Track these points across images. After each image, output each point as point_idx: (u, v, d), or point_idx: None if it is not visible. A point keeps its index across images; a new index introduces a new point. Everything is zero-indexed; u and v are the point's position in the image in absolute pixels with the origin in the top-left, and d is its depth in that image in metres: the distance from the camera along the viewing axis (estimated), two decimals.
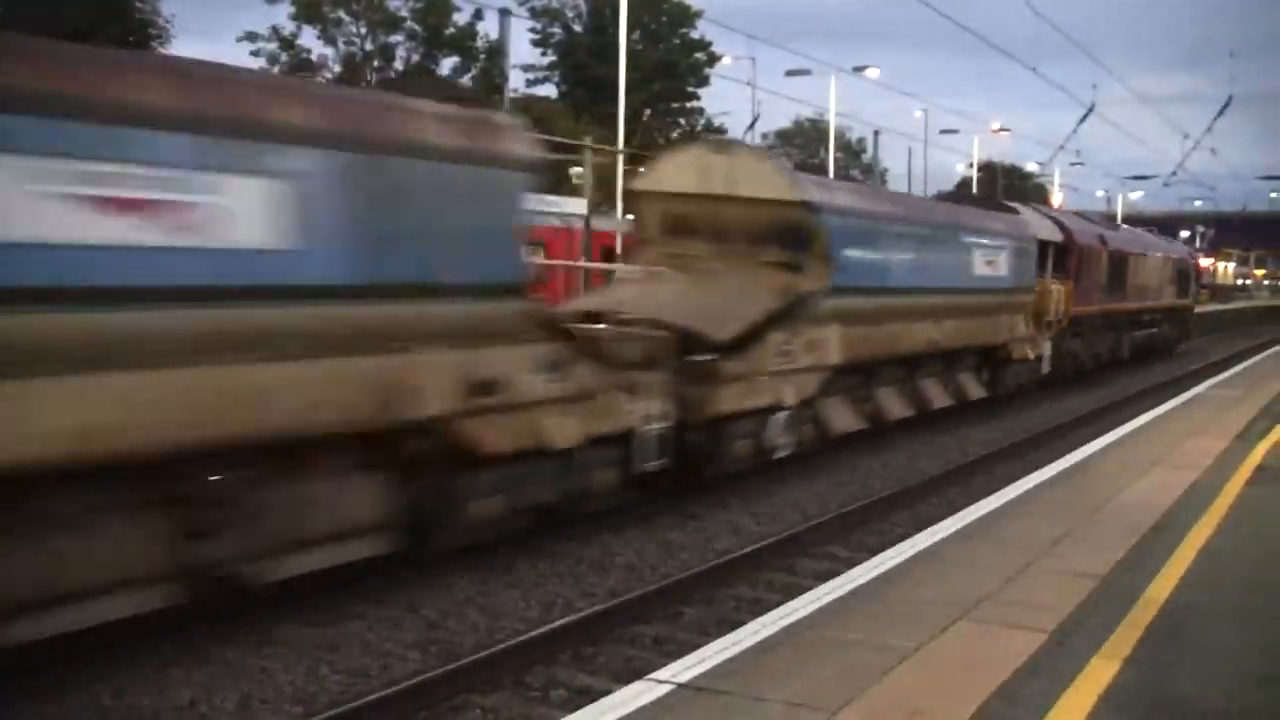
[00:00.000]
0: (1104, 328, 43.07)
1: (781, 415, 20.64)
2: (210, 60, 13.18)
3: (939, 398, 27.91)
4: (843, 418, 23.22)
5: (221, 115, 11.10)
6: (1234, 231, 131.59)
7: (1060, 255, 37.78)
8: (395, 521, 13.30)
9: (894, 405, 25.65)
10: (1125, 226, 60.72)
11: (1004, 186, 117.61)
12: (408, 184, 12.90)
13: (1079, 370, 40.10)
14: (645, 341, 17.63)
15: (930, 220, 28.48)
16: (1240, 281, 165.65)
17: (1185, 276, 55.35)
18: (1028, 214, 37.55)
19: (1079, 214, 52.26)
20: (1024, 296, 32.85)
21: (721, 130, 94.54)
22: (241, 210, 11.06)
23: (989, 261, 30.16)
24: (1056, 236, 38.07)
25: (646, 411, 17.04)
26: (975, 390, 30.25)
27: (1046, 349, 35.64)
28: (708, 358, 18.81)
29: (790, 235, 21.74)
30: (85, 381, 9.84)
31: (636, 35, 76.39)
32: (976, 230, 30.30)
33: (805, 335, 21.02)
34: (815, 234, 21.78)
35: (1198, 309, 60.22)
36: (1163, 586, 11.43)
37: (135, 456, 10.43)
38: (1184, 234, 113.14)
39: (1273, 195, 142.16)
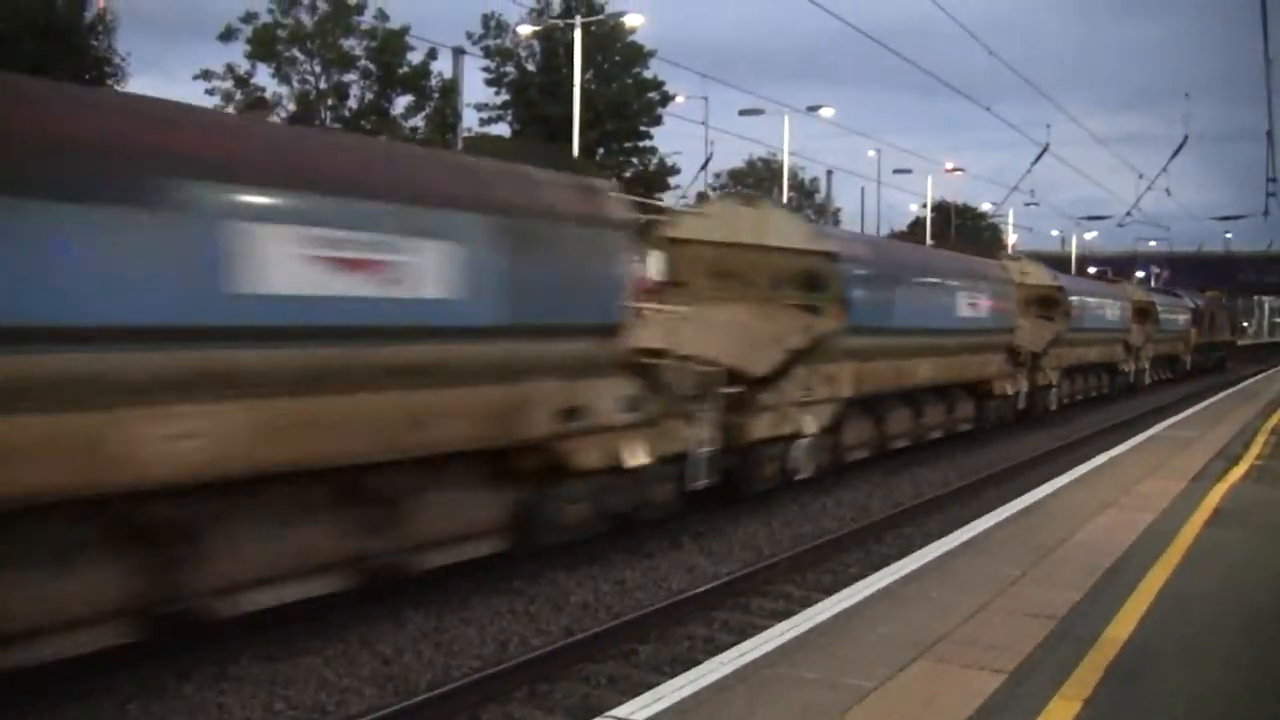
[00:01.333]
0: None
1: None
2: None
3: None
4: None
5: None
6: (1189, 272, 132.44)
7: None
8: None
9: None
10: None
11: (957, 226, 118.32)
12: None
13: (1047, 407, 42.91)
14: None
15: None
16: None
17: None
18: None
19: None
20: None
21: (675, 170, 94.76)
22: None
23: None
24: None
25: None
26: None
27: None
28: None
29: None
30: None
31: (589, 74, 76.41)
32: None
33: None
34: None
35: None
36: (1122, 627, 11.43)
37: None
38: (1139, 274, 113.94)
39: (1227, 235, 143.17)
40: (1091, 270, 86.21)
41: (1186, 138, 65.98)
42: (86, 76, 63.92)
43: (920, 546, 16.23)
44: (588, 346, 16.51)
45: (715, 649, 12.33)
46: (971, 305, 32.42)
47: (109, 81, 65.82)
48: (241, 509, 12.07)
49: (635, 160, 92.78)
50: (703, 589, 16.06)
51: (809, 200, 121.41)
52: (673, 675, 10.47)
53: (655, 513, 18.92)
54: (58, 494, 10.25)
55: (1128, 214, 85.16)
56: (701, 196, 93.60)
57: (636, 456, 17.72)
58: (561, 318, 15.85)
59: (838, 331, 23.88)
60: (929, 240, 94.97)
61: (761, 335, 22.52)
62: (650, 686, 10.03)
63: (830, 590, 14.75)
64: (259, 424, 11.69)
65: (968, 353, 32.21)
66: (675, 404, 18.90)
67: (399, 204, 13.42)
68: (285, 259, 11.87)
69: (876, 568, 15.27)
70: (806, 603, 14.27)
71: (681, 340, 20.55)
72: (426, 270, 13.56)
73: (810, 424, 23.28)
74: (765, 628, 11.99)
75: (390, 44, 75.22)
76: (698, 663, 10.86)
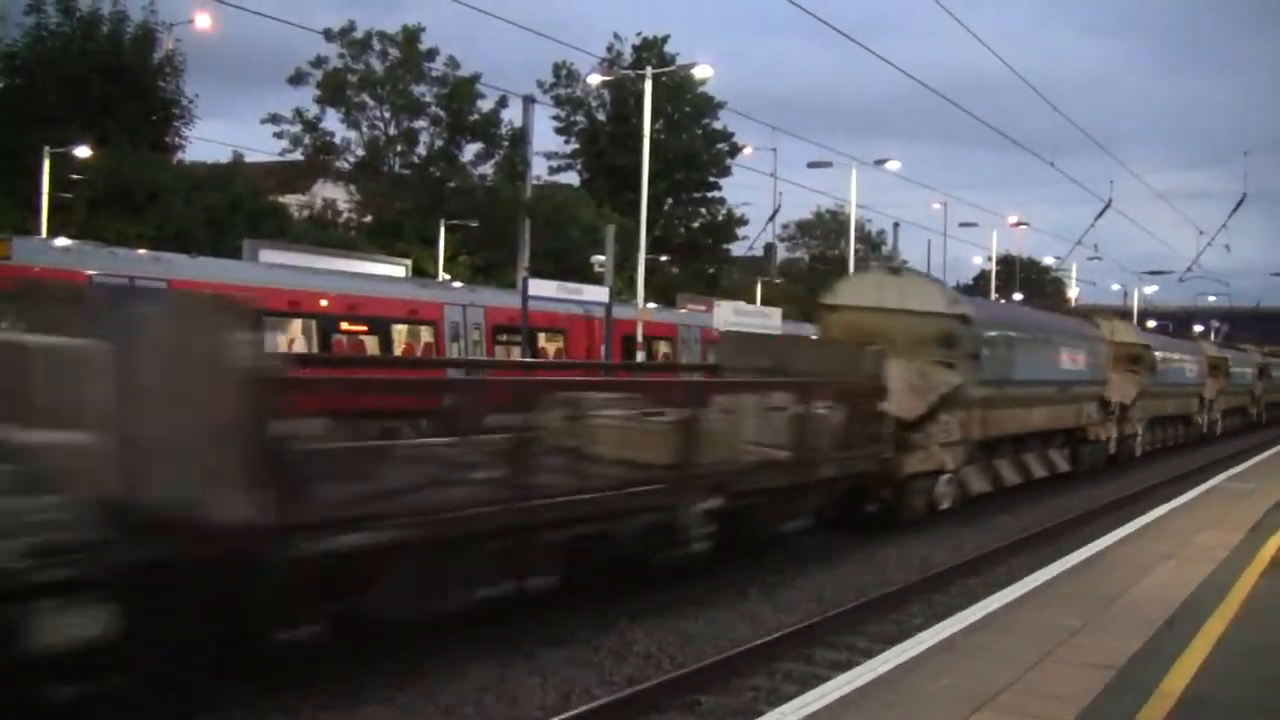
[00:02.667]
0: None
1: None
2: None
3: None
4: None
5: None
6: (1247, 326, 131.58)
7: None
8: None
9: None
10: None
11: (1021, 280, 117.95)
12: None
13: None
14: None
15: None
16: None
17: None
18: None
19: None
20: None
21: (743, 220, 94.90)
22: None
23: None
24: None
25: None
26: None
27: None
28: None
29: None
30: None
31: (659, 125, 76.76)
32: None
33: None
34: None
35: None
36: (1179, 678, 11.47)
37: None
38: (1198, 328, 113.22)
39: None
40: (1151, 324, 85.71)
41: (1245, 195, 66.39)
42: (154, 118, 64.74)
43: (984, 597, 16.27)
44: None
45: (778, 700, 12.40)
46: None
47: (176, 124, 66.61)
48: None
49: (704, 210, 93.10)
50: (766, 639, 16.09)
51: (876, 252, 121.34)
52: None
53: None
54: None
55: (1188, 269, 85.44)
56: (769, 248, 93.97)
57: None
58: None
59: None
60: (994, 293, 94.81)
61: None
62: None
63: (893, 641, 14.80)
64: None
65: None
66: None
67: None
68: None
69: (940, 618, 15.32)
70: (870, 654, 14.33)
71: None
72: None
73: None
74: (828, 679, 12.08)
75: (461, 91, 75.69)
76: (760, 714, 10.97)
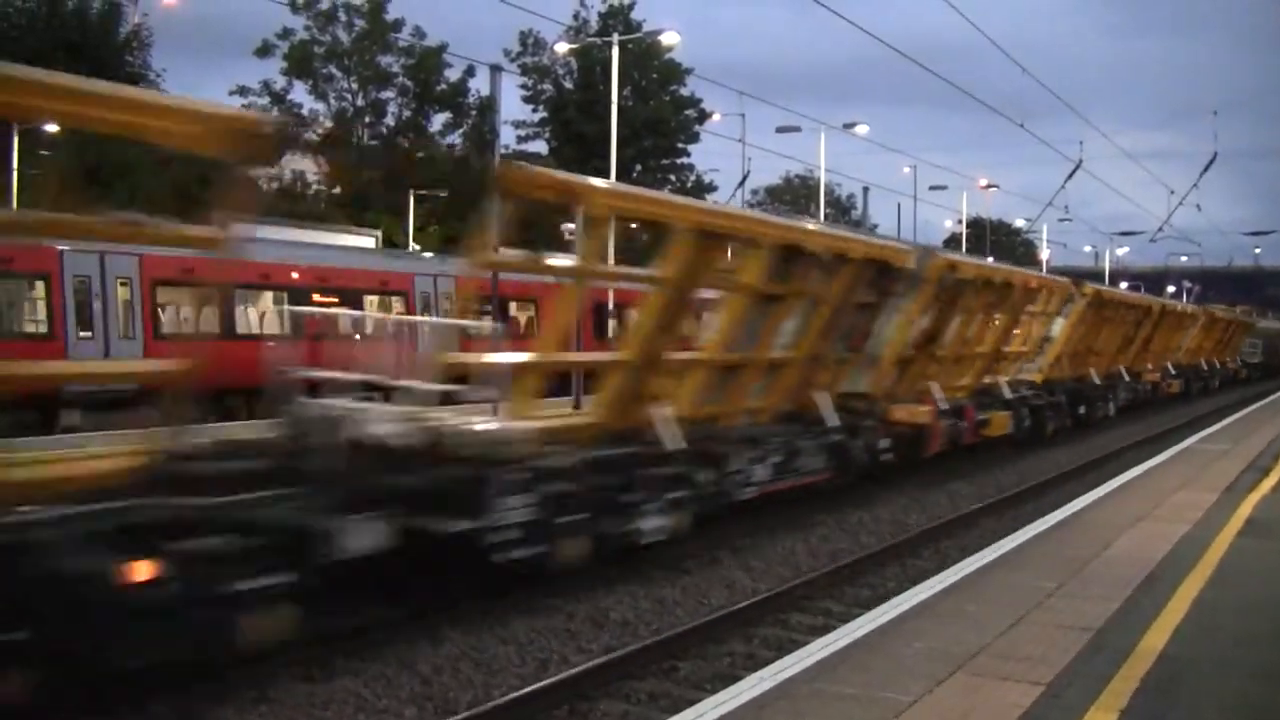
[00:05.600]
0: None
1: None
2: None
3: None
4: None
5: None
6: (1219, 286, 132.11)
7: None
8: None
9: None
10: None
11: (992, 242, 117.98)
12: None
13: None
14: None
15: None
16: None
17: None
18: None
19: None
20: None
21: (712, 187, 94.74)
22: None
23: None
24: None
25: None
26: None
27: None
28: None
29: None
30: None
31: (626, 92, 76.57)
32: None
33: None
34: None
35: None
36: (1157, 638, 11.49)
37: None
38: (1170, 289, 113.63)
39: (1257, 250, 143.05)
40: (1124, 286, 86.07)
41: (1216, 154, 66.54)
42: None
43: (957, 561, 16.31)
44: None
45: (755, 665, 12.41)
46: None
47: None
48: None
49: (673, 177, 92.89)
50: (742, 605, 16.15)
51: (845, 216, 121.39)
52: (713, 692, 10.58)
53: None
54: None
55: (1159, 230, 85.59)
56: None
57: None
58: None
59: None
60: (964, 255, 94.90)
61: None
62: (691, 703, 10.14)
63: (868, 605, 14.83)
64: None
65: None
66: None
67: None
68: None
69: (914, 583, 15.36)
70: (845, 618, 14.36)
71: None
72: None
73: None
74: (804, 644, 12.10)
75: (427, 61, 75.51)
76: (738, 679, 10.97)
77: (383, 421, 14.67)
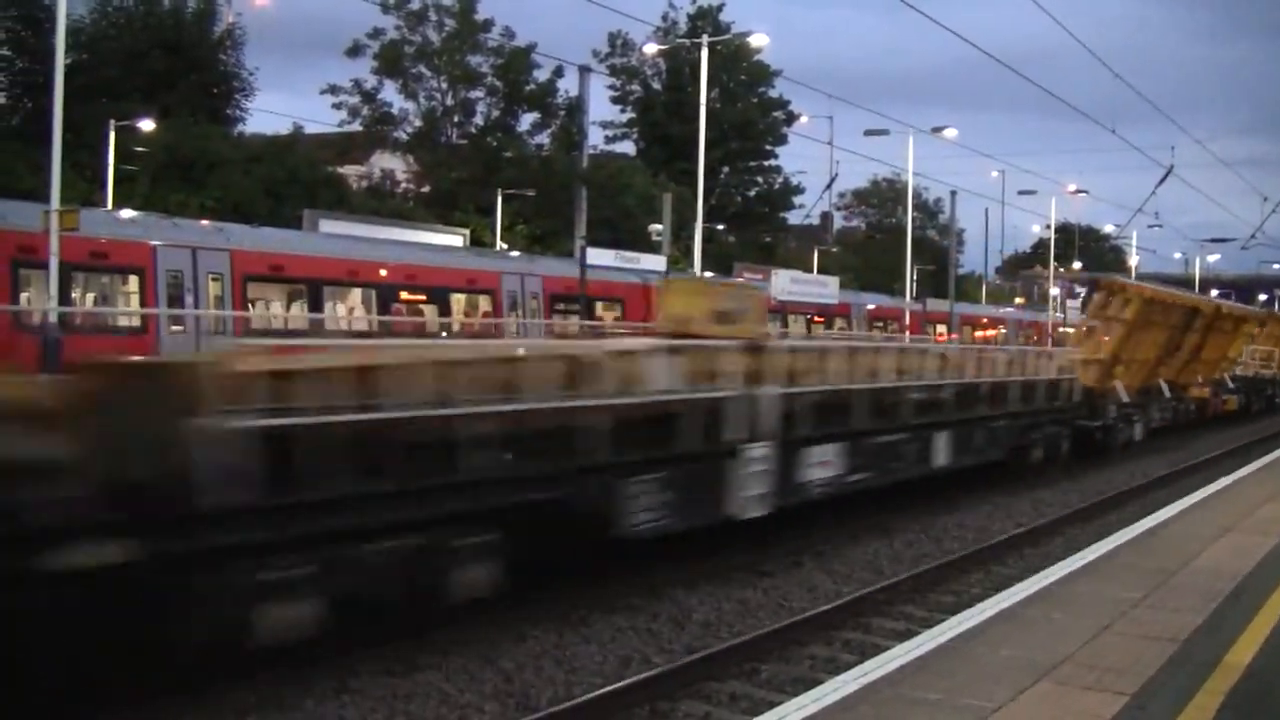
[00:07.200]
0: None
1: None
2: None
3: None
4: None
5: None
6: None
7: None
8: None
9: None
10: None
11: (1080, 248, 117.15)
12: None
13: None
14: None
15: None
16: None
17: None
18: None
19: None
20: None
21: (799, 189, 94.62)
22: None
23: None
24: None
25: None
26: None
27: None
28: None
29: None
30: None
31: (715, 94, 76.51)
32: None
33: None
34: None
35: None
36: (1243, 652, 11.36)
37: None
38: (1262, 296, 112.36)
39: None
40: (1214, 294, 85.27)
41: None
42: (214, 91, 65.21)
43: (1041, 569, 16.21)
44: None
45: (837, 669, 12.41)
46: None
47: (236, 96, 67.17)
48: None
49: (760, 179, 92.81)
50: (825, 608, 16.12)
51: (933, 221, 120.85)
52: (795, 695, 10.56)
53: None
54: None
55: (1251, 237, 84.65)
56: (825, 217, 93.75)
57: None
58: None
59: None
60: (1052, 261, 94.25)
61: None
62: (772, 705, 10.13)
63: (952, 611, 14.76)
64: None
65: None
66: None
67: None
68: None
69: (998, 589, 15.28)
70: (928, 623, 14.32)
71: None
72: None
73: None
74: (887, 648, 12.08)
75: (516, 61, 75.54)
76: (820, 682, 10.96)
77: None
